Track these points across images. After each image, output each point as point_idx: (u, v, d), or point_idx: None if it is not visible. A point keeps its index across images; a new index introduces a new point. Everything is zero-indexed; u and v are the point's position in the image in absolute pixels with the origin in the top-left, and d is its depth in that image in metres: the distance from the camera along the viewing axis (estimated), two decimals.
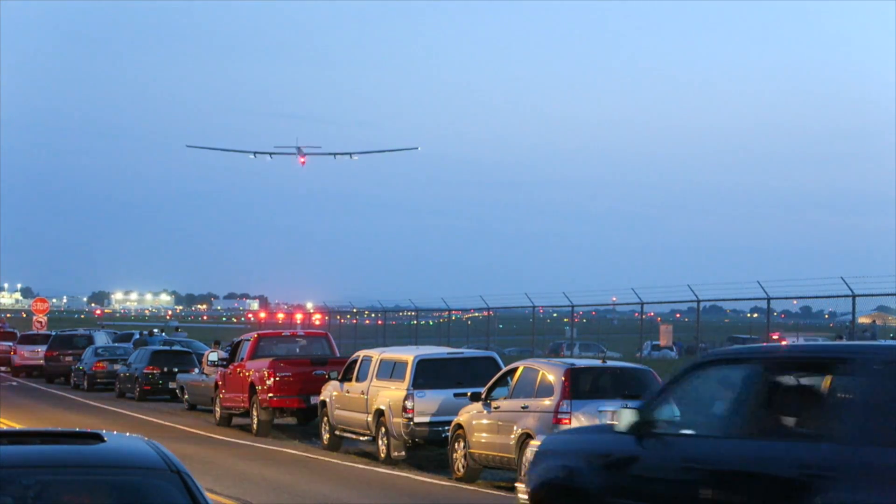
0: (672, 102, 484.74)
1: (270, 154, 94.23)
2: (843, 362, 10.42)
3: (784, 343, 19.49)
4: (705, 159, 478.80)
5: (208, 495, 7.45)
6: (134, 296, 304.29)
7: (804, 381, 10.77)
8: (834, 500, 9.43)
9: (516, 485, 13.93)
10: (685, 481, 10.62)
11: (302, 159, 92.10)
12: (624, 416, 11.40)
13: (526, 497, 12.56)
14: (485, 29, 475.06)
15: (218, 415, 35.33)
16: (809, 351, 12.13)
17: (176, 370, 44.58)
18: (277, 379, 31.56)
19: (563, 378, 21.69)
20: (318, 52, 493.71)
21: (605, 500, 11.32)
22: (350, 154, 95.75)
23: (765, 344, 13.78)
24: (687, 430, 11.14)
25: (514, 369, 23.44)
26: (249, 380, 32.70)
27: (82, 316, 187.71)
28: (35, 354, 59.25)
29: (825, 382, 10.44)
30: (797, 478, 9.76)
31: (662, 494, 10.88)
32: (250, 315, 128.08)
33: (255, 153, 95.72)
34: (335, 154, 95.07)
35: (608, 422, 12.73)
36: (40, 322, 69.19)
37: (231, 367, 34.69)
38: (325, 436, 29.13)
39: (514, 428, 22.08)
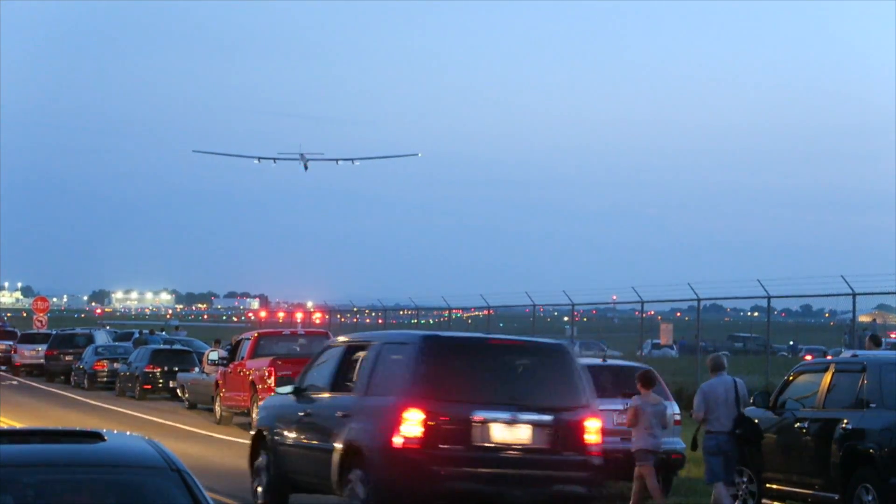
0: (673, 101, 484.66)
1: (274, 159, 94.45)
2: (372, 344, 16.46)
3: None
4: (706, 158, 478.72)
5: (208, 494, 7.44)
6: (134, 295, 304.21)
7: (356, 357, 16.60)
8: (352, 429, 15.63)
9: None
10: (310, 421, 16.98)
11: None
12: (286, 387, 18.17)
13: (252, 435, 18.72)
14: (485, 29, 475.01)
15: (218, 414, 35.32)
16: (361, 340, 17.64)
17: (176, 369, 44.55)
18: (278, 377, 31.55)
19: None
20: (319, 53, 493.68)
21: (274, 436, 17.70)
22: (352, 160, 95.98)
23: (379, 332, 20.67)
24: (314, 391, 17.29)
25: None
26: (250, 378, 32.69)
27: (83, 315, 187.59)
28: (35, 353, 59.21)
29: (361, 358, 16.48)
30: (339, 416, 16.05)
31: (298, 429, 17.22)
32: (251, 314, 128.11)
33: (259, 158, 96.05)
34: (338, 160, 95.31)
35: (283, 390, 18.22)
36: (41, 321, 69.17)
37: (231, 365, 34.68)
38: None
39: None
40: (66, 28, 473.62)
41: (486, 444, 14.93)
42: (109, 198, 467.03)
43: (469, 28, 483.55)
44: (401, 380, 15.33)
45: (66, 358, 55.58)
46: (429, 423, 14.79)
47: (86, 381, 50.64)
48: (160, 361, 45.80)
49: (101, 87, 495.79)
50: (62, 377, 55.12)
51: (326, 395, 16.96)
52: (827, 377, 18.27)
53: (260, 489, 17.93)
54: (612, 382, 21.69)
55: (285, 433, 17.53)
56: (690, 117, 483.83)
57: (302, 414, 17.14)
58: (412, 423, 14.80)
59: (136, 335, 62.68)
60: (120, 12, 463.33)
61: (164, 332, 66.92)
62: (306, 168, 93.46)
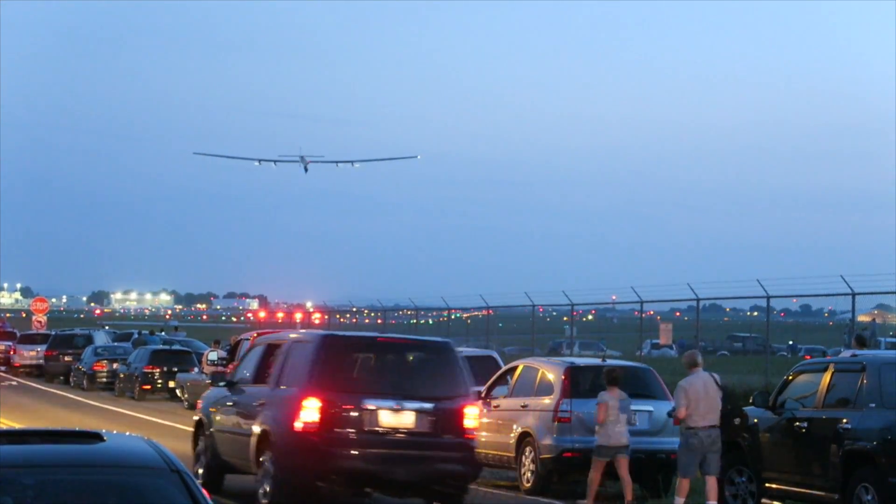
0: (672, 100, 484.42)
1: (275, 162, 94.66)
2: (284, 342, 19.09)
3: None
4: (705, 157, 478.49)
5: (207, 495, 7.44)
6: (133, 295, 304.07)
7: (273, 354, 19.00)
8: (265, 416, 18.12)
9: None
10: (236, 410, 19.40)
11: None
12: (220, 380, 20.65)
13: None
14: (484, 28, 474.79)
15: None
16: (277, 339, 19.98)
17: (175, 369, 44.52)
18: None
19: (562, 377, 21.66)
20: (320, 53, 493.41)
21: (210, 423, 20.28)
22: (352, 162, 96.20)
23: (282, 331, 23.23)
24: (242, 383, 19.67)
25: (514, 368, 23.42)
26: None
27: (82, 315, 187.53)
28: (35, 354, 59.17)
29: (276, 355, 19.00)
30: (256, 405, 18.56)
31: (227, 417, 19.66)
32: (250, 314, 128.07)
33: (259, 161, 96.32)
34: (337, 162, 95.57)
35: (220, 384, 20.49)
36: (40, 321, 69.16)
37: (231, 366, 34.62)
38: None
39: (514, 427, 22.06)
40: (64, 28, 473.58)
41: (375, 429, 17.33)
42: (109, 198, 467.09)
43: (469, 28, 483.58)
44: (303, 373, 17.72)
45: (66, 358, 55.55)
46: (325, 410, 17.20)
47: (85, 382, 50.61)
48: (159, 362, 45.76)
49: (101, 88, 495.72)
50: (61, 378, 55.07)
51: (250, 386, 19.37)
52: (826, 377, 18.28)
53: (200, 471, 20.16)
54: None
55: (218, 421, 20.11)
56: (690, 117, 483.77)
57: (230, 404, 19.71)
58: (310, 411, 17.21)
59: (136, 336, 62.65)
60: (119, 12, 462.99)
61: (163, 333, 66.89)
62: (306, 170, 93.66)
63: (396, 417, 17.39)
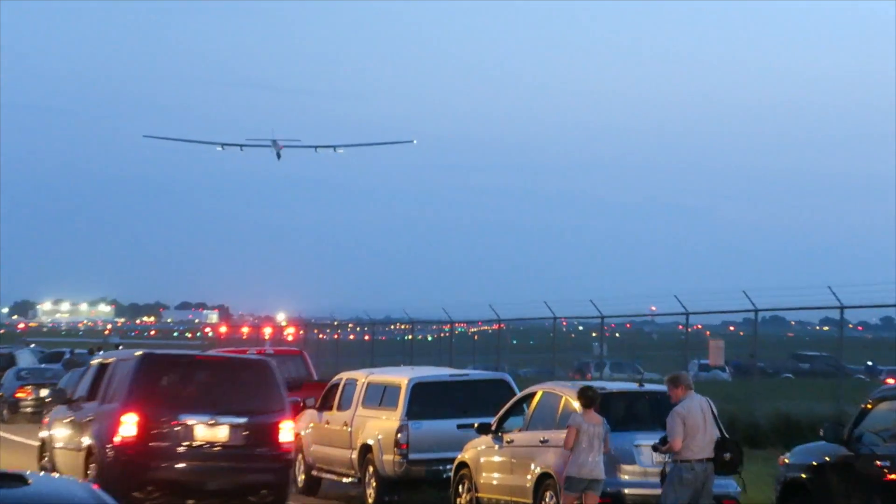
0: (719, 72, 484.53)
1: (241, 146, 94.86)
2: (112, 360, 23.89)
3: None
4: (760, 139, 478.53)
5: None
6: (65, 306, 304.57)
7: (104, 371, 23.72)
8: (91, 431, 22.56)
9: None
10: (71, 427, 23.83)
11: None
12: (63, 399, 25.35)
13: None
14: None
15: None
16: (107, 357, 24.97)
17: None
18: None
19: None
20: (294, 12, 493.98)
21: (52, 440, 25.08)
22: (334, 147, 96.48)
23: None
24: (80, 400, 24.03)
25: (532, 395, 23.43)
26: None
27: (2, 330, 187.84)
28: None
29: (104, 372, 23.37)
30: (85, 421, 23.02)
31: (63, 433, 24.35)
32: (208, 329, 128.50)
33: (223, 145, 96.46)
34: (317, 147, 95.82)
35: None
36: None
37: None
38: (300, 477, 29.11)
39: (532, 466, 22.07)
40: None
41: (191, 443, 21.96)
42: (36, 190, 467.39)
43: None
44: (123, 390, 22.32)
45: None
46: (142, 425, 21.78)
47: (6, 412, 50.71)
48: None
49: (28, 60, 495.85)
50: None
51: (84, 403, 23.82)
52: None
53: None
54: (650, 411, 21.63)
55: (57, 437, 24.95)
56: (744, 92, 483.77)
57: (67, 420, 24.34)
58: (128, 425, 21.78)
59: (68, 355, 62.73)
60: None
61: (101, 352, 66.93)
62: (279, 156, 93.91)
63: (211, 431, 22.09)
